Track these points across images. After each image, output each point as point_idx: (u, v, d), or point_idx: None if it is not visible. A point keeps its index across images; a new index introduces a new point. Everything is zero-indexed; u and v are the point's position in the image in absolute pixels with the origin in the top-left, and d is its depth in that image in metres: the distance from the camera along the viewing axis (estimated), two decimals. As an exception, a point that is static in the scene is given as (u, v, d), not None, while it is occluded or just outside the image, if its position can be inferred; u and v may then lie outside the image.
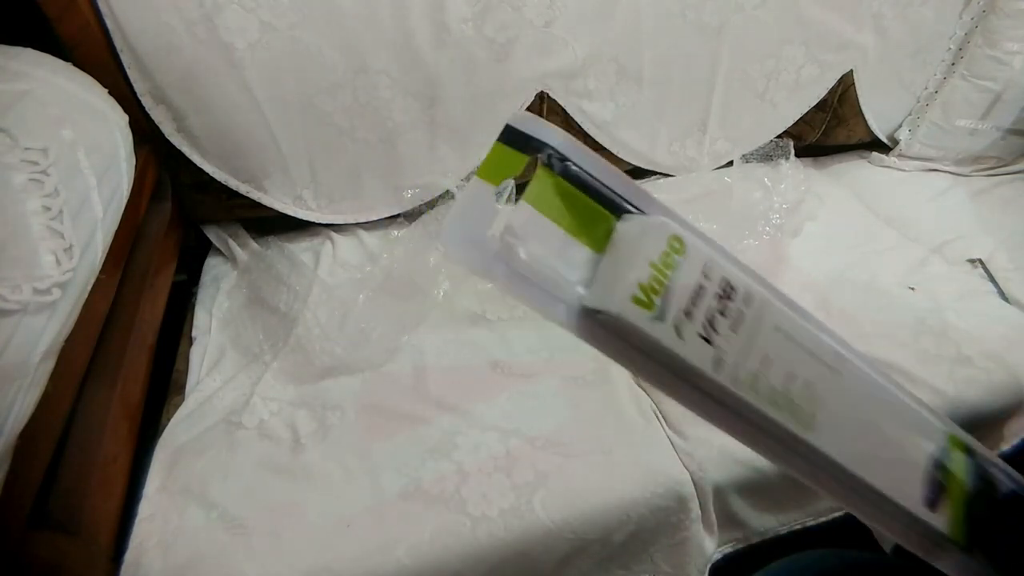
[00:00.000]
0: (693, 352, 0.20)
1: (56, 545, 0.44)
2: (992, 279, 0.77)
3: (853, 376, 0.22)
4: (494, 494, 0.52)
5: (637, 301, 0.19)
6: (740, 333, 0.20)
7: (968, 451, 0.23)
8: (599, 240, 0.21)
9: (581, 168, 0.21)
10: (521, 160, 0.20)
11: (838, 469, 0.21)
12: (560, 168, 0.21)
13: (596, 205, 0.21)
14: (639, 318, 0.19)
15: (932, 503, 0.21)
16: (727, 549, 0.62)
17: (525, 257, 0.20)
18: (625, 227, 0.21)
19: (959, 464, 0.22)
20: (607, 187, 0.21)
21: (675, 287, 0.20)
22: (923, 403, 0.23)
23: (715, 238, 0.22)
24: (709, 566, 0.60)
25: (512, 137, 0.21)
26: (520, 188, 0.21)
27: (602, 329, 0.20)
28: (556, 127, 0.21)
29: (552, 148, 0.21)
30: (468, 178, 0.78)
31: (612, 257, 0.21)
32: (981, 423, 0.66)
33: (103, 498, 0.49)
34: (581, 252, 0.21)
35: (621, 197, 0.22)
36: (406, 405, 0.60)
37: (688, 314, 0.20)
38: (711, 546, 0.59)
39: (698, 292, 0.20)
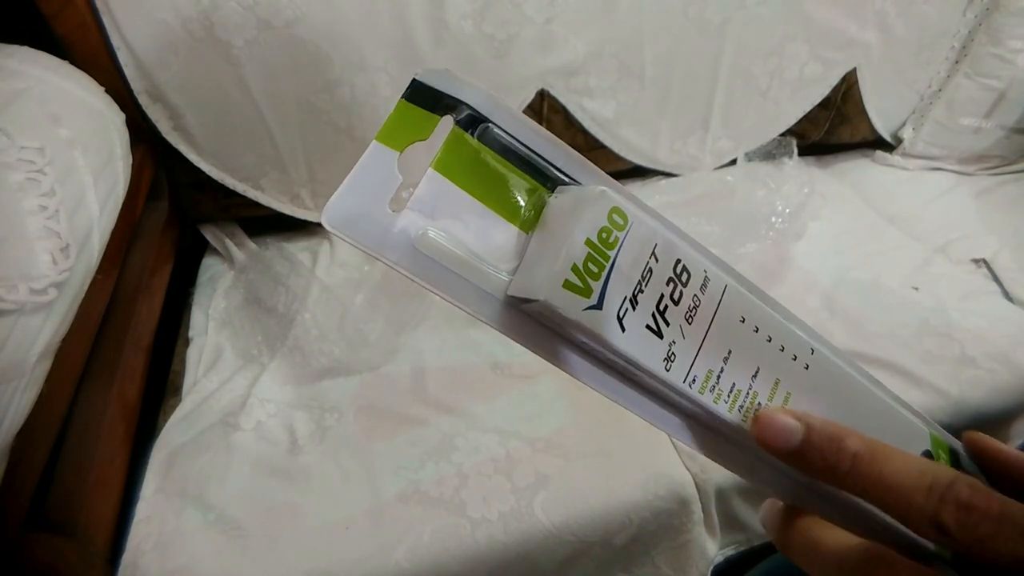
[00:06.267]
0: (639, 347, 0.17)
1: (53, 546, 0.44)
2: (996, 279, 0.77)
3: (825, 373, 0.19)
4: (494, 496, 0.52)
5: (570, 286, 0.16)
6: (696, 324, 0.18)
7: (952, 453, 0.21)
8: (528, 218, 0.18)
9: (505, 131, 0.18)
10: (431, 121, 0.17)
11: (813, 485, 0.19)
12: (479, 131, 0.17)
13: (524, 176, 0.18)
14: (572, 307, 0.16)
15: None
16: (729, 551, 0.61)
17: (435, 236, 0.16)
18: (558, 200, 0.18)
19: None
20: (538, 155, 0.18)
21: (617, 269, 0.17)
22: (900, 400, 0.21)
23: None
24: (711, 568, 0.59)
25: (420, 94, 0.17)
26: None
27: (529, 322, 0.17)
28: (476, 84, 0.17)
29: (469, 107, 0.17)
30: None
31: (541, 236, 0.17)
32: (986, 424, 0.65)
33: (100, 499, 0.49)
34: (506, 232, 0.17)
35: (556, 167, 0.18)
36: (405, 406, 0.59)
37: (634, 302, 0.17)
38: (713, 548, 0.58)
39: (645, 276, 0.17)
